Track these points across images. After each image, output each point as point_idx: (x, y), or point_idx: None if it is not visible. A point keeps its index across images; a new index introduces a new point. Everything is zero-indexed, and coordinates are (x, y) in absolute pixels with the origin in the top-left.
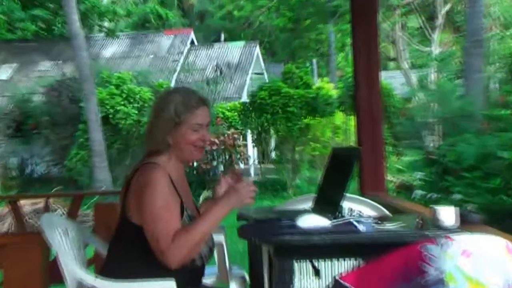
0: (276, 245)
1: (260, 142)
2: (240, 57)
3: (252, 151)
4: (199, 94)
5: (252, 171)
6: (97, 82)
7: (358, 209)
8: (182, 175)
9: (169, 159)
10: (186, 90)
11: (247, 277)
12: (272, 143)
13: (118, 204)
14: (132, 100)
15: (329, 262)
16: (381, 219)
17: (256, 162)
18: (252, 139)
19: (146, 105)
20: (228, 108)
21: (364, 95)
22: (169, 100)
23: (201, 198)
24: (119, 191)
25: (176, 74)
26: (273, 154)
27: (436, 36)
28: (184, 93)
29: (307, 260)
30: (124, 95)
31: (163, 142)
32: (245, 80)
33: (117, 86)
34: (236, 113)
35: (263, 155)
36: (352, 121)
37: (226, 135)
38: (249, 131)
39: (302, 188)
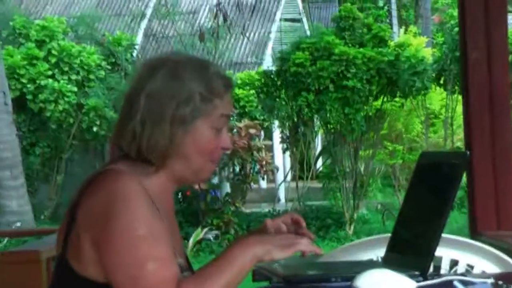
0: None
1: (296, 142)
2: None
3: (281, 158)
4: (218, 66)
5: (281, 194)
6: (4, 37)
7: (467, 260)
8: (170, 201)
9: (154, 173)
10: (196, 59)
11: None
12: (318, 144)
13: (56, 248)
14: (67, 68)
15: None
16: (508, 278)
17: (289, 177)
18: (282, 138)
19: (91, 77)
20: (239, 81)
21: (479, 58)
22: (178, 72)
23: (190, 241)
24: (54, 229)
25: (145, 20)
26: (319, 163)
27: None
28: (198, 64)
29: None
30: (53, 60)
31: (170, 147)
32: (269, 32)
33: (41, 43)
34: (252, 91)
35: (301, 165)
36: (460, 104)
37: (236, 130)
38: (276, 122)
39: (370, 223)
